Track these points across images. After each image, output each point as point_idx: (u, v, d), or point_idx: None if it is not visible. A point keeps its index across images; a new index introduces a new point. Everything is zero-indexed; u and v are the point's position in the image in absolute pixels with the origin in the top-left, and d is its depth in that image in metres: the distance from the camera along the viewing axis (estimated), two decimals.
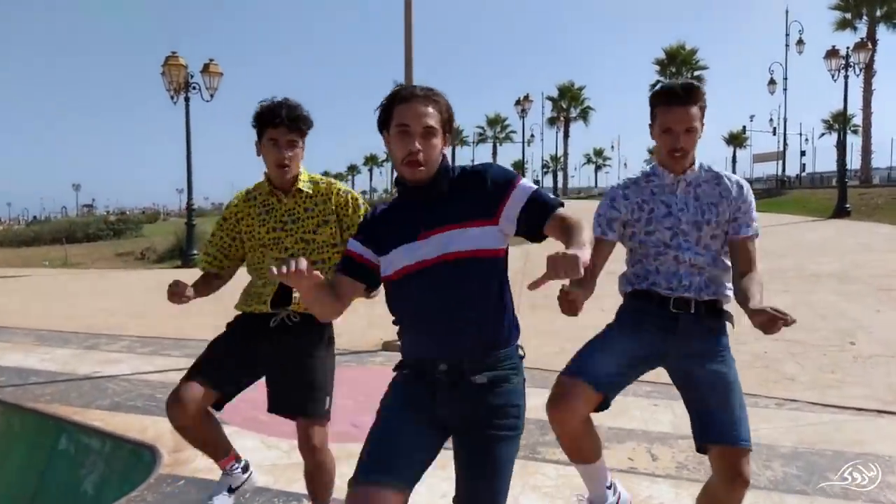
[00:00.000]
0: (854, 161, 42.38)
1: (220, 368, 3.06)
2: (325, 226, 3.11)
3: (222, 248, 3.23)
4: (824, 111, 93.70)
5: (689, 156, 2.79)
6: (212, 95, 18.25)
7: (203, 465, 3.92)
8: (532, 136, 60.54)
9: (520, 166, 50.65)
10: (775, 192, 38.00)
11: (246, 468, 3.32)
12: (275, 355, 3.07)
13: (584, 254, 1.88)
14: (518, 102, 40.65)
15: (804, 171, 66.77)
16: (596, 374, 2.69)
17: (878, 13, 37.56)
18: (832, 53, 24.01)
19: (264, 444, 4.38)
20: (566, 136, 66.26)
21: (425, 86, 2.22)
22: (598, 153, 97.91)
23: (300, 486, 3.35)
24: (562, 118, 66.72)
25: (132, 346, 7.90)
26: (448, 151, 2.33)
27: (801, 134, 72.01)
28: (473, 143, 79.92)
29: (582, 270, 1.84)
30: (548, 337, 7.18)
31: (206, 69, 17.99)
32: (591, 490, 2.98)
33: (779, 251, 15.17)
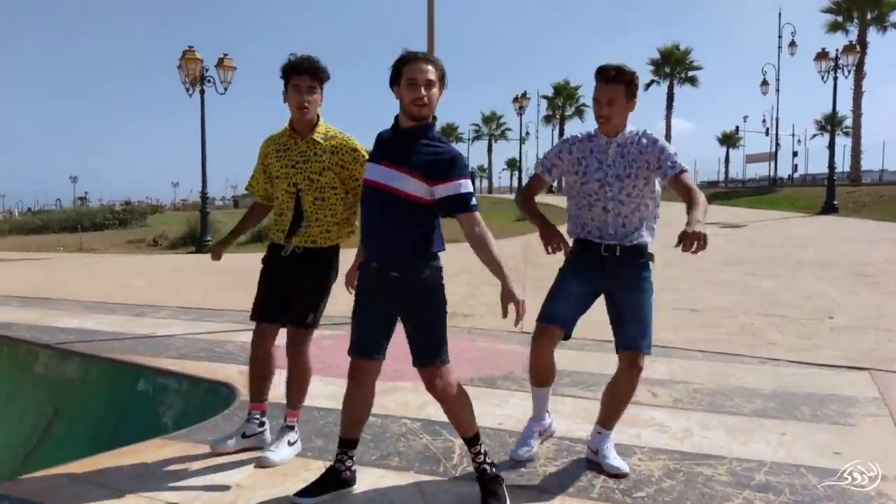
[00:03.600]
0: (845, 162, 43.19)
1: (267, 304, 3.86)
2: (328, 172, 3.75)
3: (265, 181, 4.00)
4: (817, 113, 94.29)
5: (611, 122, 3.55)
6: (225, 89, 18.95)
7: (274, 395, 4.54)
8: (527, 133, 61.18)
9: (515, 163, 51.06)
10: (766, 189, 38.82)
11: (262, 424, 3.99)
12: (288, 278, 3.82)
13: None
14: (516, 100, 41.19)
15: (796, 171, 67.39)
16: (562, 318, 3.64)
17: (870, 16, 38.19)
18: (822, 56, 24.73)
19: (322, 382, 5.09)
20: (561, 133, 66.65)
21: (422, 52, 3.15)
22: None
23: None
24: (557, 116, 67.41)
25: (176, 314, 8.56)
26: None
27: (793, 135, 72.55)
28: (469, 139, 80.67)
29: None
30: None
31: (220, 63, 18.68)
32: (538, 411, 3.91)
33: (768, 243, 15.93)
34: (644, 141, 3.58)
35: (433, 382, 3.18)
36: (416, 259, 3.15)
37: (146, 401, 5.62)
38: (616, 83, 3.50)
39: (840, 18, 38.92)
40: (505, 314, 2.97)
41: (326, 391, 4.93)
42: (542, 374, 3.78)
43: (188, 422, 4.86)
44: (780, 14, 42.06)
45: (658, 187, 3.64)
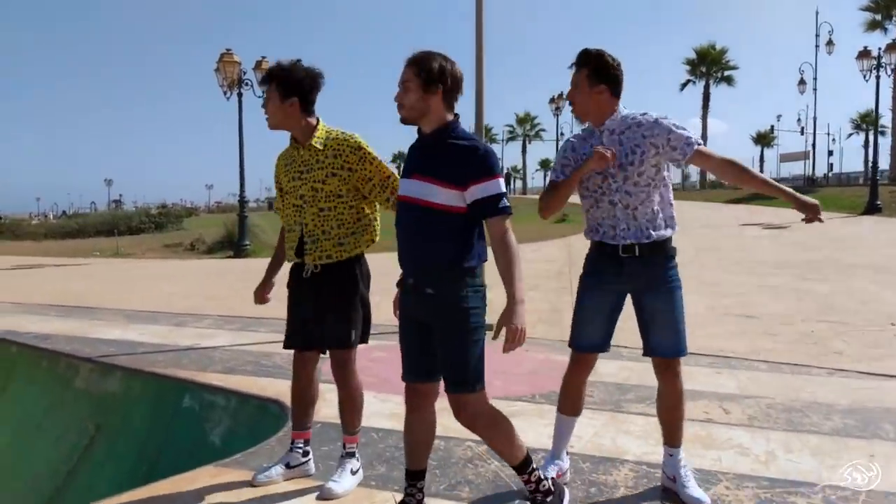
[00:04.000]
0: (883, 161, 42.27)
1: (300, 332, 3.65)
2: (333, 178, 3.52)
3: (281, 198, 3.80)
4: (852, 112, 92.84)
5: (577, 107, 3.38)
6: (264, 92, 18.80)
7: (328, 413, 4.39)
8: (562, 134, 60.79)
9: (548, 163, 50.82)
10: (803, 190, 38.00)
11: (306, 454, 3.79)
12: (314, 299, 3.60)
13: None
14: (552, 100, 41.14)
15: (831, 170, 66.37)
16: (594, 345, 3.44)
17: None
18: (864, 54, 24.19)
19: (377, 399, 4.90)
20: None
21: (426, 50, 2.98)
22: None
23: None
24: None
25: (218, 323, 8.45)
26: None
27: (828, 134, 71.36)
28: (504, 140, 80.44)
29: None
30: None
31: (258, 66, 18.54)
32: (558, 447, 3.59)
33: (815, 245, 15.51)
34: (644, 123, 3.31)
35: (458, 412, 2.96)
36: (450, 274, 2.93)
37: (192, 418, 5.45)
38: (579, 67, 3.32)
39: (878, 17, 38.17)
40: (496, 336, 2.83)
41: (383, 410, 4.74)
42: (572, 402, 3.57)
43: (237, 442, 4.72)
44: (816, 13, 41.27)
45: (667, 172, 3.40)
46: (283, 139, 3.72)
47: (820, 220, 3.23)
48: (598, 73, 3.28)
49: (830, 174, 64.18)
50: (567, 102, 3.57)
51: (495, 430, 3.01)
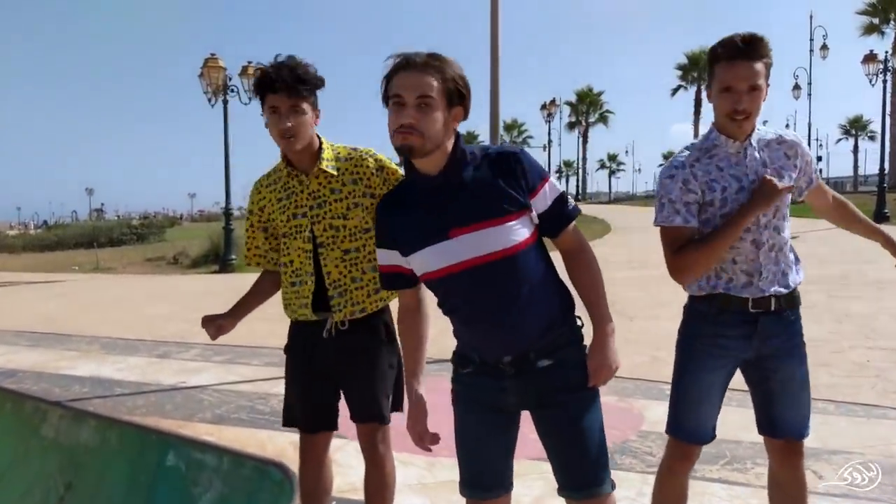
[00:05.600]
0: (869, 167, 42.12)
1: (312, 411, 2.93)
2: (357, 208, 2.74)
3: (265, 241, 2.96)
4: (839, 117, 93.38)
5: (752, 119, 2.45)
6: (250, 98, 18.04)
7: (344, 484, 3.71)
8: (550, 140, 60.56)
9: None
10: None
11: None
12: (335, 365, 2.84)
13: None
14: (544, 107, 40.96)
15: (821, 176, 66.57)
16: (706, 432, 2.64)
17: None
18: (870, 58, 23.88)
19: (399, 462, 4.13)
20: (585, 141, 66.14)
21: (430, 52, 2.06)
22: (612, 158, 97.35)
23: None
24: (582, 123, 66.65)
25: (205, 353, 7.65)
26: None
27: (816, 139, 71.72)
28: None
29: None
30: (633, 346, 6.98)
31: (244, 72, 17.75)
32: None
33: (831, 257, 14.92)
34: (786, 140, 2.56)
35: None
36: (568, 329, 2.22)
37: (177, 479, 4.60)
38: (756, 59, 2.38)
39: (876, 20, 38.04)
40: (595, 382, 2.20)
41: (408, 477, 3.92)
42: None
43: None
44: (811, 17, 40.97)
45: None
46: (275, 147, 2.81)
47: None
48: (769, 69, 2.43)
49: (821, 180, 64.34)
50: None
51: None
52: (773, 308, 2.52)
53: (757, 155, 2.50)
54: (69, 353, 7.90)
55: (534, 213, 2.13)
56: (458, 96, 2.06)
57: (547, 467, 2.29)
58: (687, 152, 2.56)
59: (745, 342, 2.54)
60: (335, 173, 2.73)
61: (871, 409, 5.18)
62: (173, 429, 5.03)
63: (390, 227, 2.21)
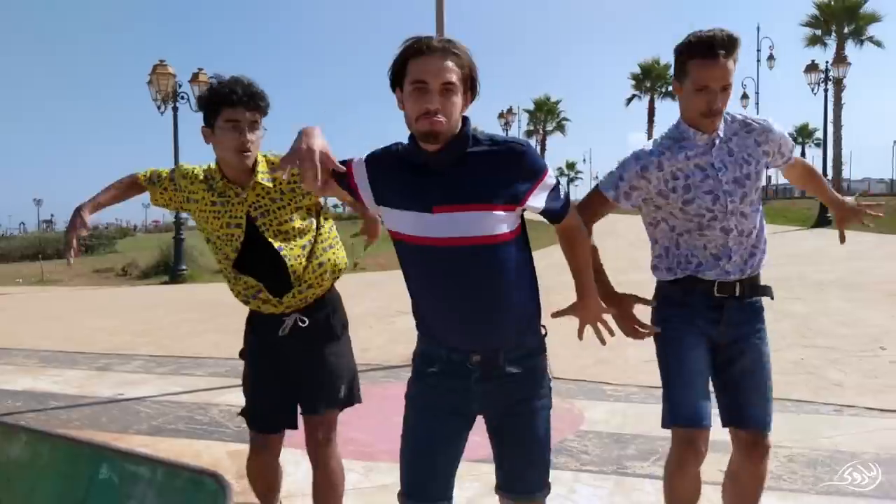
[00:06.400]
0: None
1: (274, 410, 2.90)
2: (300, 210, 2.82)
3: (166, 187, 2.94)
4: (788, 125, 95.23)
5: (721, 115, 2.55)
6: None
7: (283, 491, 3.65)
8: None
9: None
10: None
11: None
12: (296, 357, 2.86)
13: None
14: (501, 115, 40.98)
15: (769, 183, 68.00)
16: (705, 412, 2.59)
17: (846, 29, 38.29)
18: (812, 68, 24.57)
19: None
20: (543, 149, 66.57)
21: (444, 37, 2.07)
22: (571, 166, 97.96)
23: None
24: (540, 131, 66.99)
25: (148, 366, 7.49)
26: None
27: None
28: None
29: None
30: (578, 348, 7.01)
31: (195, 78, 17.53)
32: None
33: (775, 260, 15.10)
34: (756, 127, 2.61)
35: None
36: (535, 337, 2.24)
37: (110, 493, 4.45)
38: (730, 58, 2.44)
39: (819, 32, 39.01)
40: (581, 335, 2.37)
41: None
42: None
43: None
44: (758, 28, 42.08)
45: None
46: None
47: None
48: (736, 64, 2.51)
49: (769, 186, 65.63)
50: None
51: None
52: (736, 293, 2.59)
53: (723, 145, 2.59)
54: (6, 367, 7.67)
55: (521, 210, 2.12)
56: (471, 81, 2.09)
57: (483, 468, 2.30)
58: (660, 140, 2.65)
59: (712, 326, 2.61)
60: (271, 185, 2.76)
61: (801, 404, 5.30)
62: (108, 441, 4.95)
63: (374, 176, 2.18)
